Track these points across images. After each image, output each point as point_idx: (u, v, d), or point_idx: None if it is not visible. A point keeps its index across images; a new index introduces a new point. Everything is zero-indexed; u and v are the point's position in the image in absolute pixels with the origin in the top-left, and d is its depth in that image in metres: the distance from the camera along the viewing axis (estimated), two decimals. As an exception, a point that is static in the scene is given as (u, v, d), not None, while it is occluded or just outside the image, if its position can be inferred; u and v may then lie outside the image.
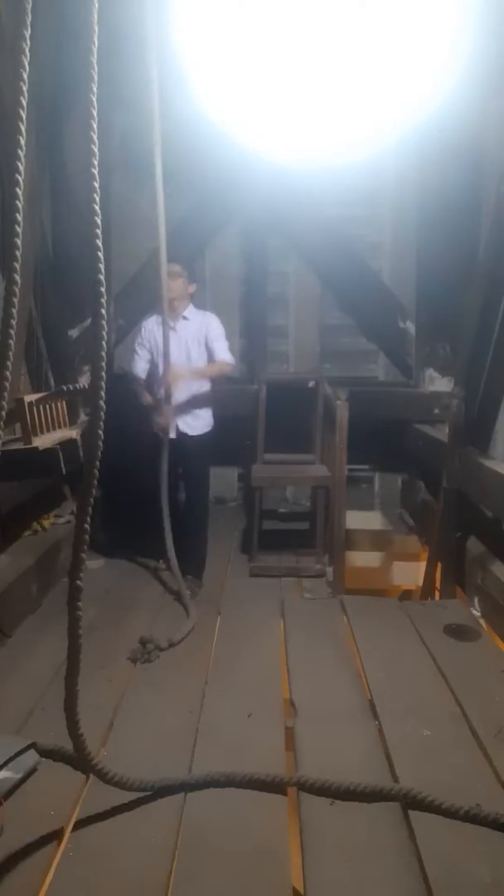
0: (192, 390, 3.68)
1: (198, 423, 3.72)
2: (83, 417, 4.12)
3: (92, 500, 1.55)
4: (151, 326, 3.69)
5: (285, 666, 2.88)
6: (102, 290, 1.47)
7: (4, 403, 1.36)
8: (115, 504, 4.20)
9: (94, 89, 1.38)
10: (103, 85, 1.41)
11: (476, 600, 3.52)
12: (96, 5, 1.39)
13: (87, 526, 1.56)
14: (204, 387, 3.74)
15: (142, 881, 1.71)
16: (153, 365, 3.69)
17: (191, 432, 3.70)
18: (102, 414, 1.51)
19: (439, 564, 3.93)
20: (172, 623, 3.33)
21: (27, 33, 1.30)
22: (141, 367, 3.73)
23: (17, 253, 1.34)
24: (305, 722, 2.44)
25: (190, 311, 3.69)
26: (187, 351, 3.64)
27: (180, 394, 3.61)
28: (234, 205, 5.06)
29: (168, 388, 3.52)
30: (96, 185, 1.44)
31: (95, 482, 1.54)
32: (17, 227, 1.33)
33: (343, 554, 3.84)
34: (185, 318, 3.66)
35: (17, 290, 1.34)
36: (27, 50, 1.30)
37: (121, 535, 4.30)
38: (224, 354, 3.65)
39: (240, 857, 1.78)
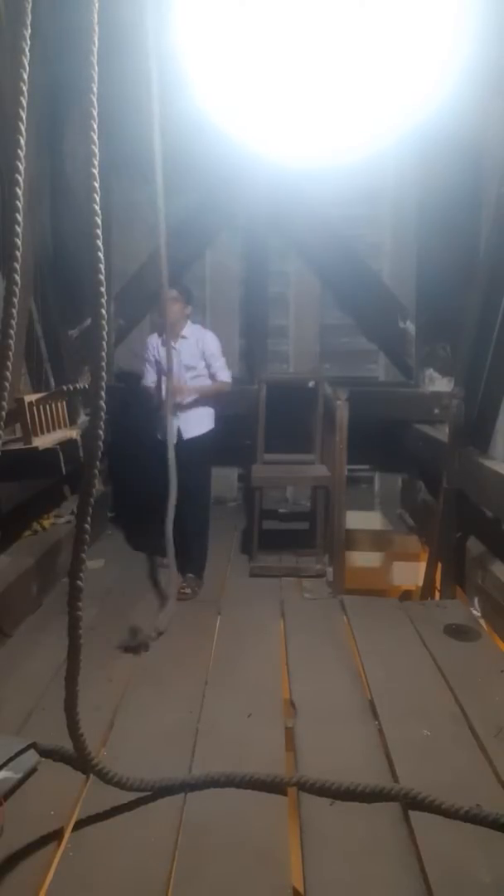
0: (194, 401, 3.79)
1: (199, 425, 3.80)
2: (83, 417, 4.12)
3: (92, 500, 1.55)
4: (155, 343, 3.88)
5: (285, 666, 2.88)
6: (102, 290, 1.47)
7: (4, 403, 1.36)
8: (120, 503, 4.21)
9: (94, 89, 1.38)
10: (103, 85, 1.41)
11: (476, 600, 3.52)
12: (96, 5, 1.39)
13: (87, 526, 1.56)
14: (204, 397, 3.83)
15: (142, 881, 1.71)
16: (159, 378, 3.83)
17: (192, 434, 3.76)
18: (102, 414, 1.51)
19: (439, 564, 3.93)
20: (172, 623, 3.33)
21: (27, 33, 1.30)
22: (150, 379, 3.92)
23: (17, 253, 1.34)
24: (305, 722, 2.44)
25: (188, 329, 3.83)
26: (188, 364, 3.78)
27: (183, 404, 3.75)
28: (235, 205, 5.06)
29: (173, 394, 3.63)
30: (96, 185, 1.44)
31: (95, 482, 1.54)
32: (17, 227, 1.33)
33: (343, 554, 3.84)
34: (183, 336, 3.80)
35: (17, 290, 1.35)
36: (27, 50, 1.30)
37: (125, 534, 4.32)
38: (222, 374, 3.84)
39: (240, 857, 1.78)
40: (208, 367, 3.82)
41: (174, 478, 3.57)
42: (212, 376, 3.83)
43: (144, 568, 4.08)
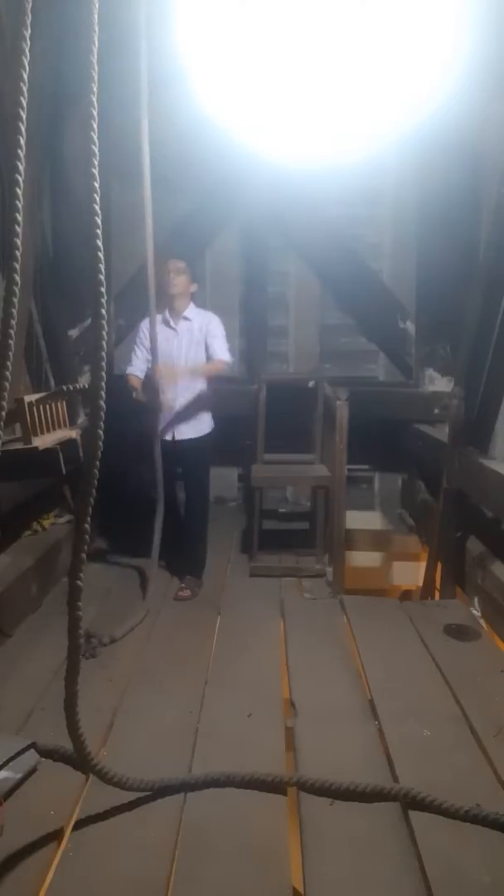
0: (191, 393, 3.66)
1: (197, 426, 3.72)
2: (83, 417, 4.12)
3: (92, 500, 1.55)
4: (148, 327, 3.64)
5: (285, 666, 2.88)
6: (102, 290, 1.46)
7: (4, 403, 1.36)
8: (114, 505, 4.20)
9: (94, 89, 1.38)
10: (103, 85, 1.41)
11: (476, 600, 3.52)
12: (96, 5, 1.39)
13: (87, 526, 1.56)
14: (202, 389, 3.71)
15: (142, 881, 1.71)
16: (151, 365, 3.62)
17: (190, 436, 3.71)
18: (102, 414, 1.51)
19: (439, 564, 3.93)
20: (172, 623, 3.33)
21: (27, 33, 1.30)
22: (139, 367, 3.68)
23: (17, 253, 1.34)
24: (305, 722, 2.44)
25: (191, 310, 3.68)
26: (187, 351, 3.63)
27: (175, 394, 3.61)
28: (235, 205, 5.06)
29: (154, 389, 3.50)
30: (96, 185, 1.44)
31: (95, 482, 1.54)
32: (17, 227, 1.33)
33: (343, 554, 3.84)
34: (185, 318, 3.66)
35: (17, 290, 1.34)
36: (27, 50, 1.30)
37: (120, 537, 4.33)
38: (223, 353, 3.60)
39: (240, 856, 1.78)
40: (209, 349, 3.56)
41: (160, 477, 3.56)
42: (211, 353, 3.58)
43: (144, 568, 4.08)
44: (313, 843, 1.84)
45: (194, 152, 4.51)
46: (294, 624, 3.31)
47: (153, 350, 3.51)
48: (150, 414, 3.58)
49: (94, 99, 1.39)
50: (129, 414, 3.59)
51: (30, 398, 2.77)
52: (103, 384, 1.50)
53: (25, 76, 1.30)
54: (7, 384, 1.35)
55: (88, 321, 2.91)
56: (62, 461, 2.70)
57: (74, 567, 1.58)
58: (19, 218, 1.33)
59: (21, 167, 1.30)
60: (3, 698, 2.54)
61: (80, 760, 1.80)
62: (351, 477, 4.28)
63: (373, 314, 5.22)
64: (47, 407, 2.89)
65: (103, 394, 1.50)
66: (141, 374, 3.67)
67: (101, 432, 1.52)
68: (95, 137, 1.40)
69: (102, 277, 1.45)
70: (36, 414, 2.78)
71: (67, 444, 2.79)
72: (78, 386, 3.90)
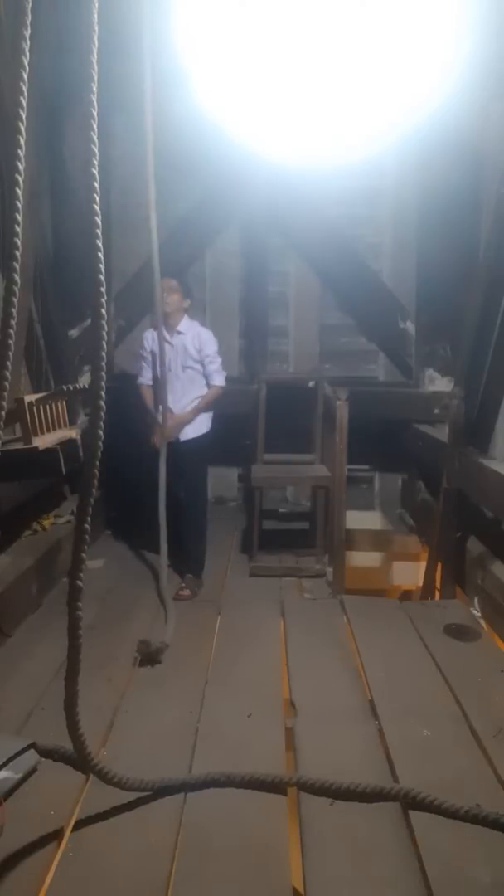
0: (189, 399, 3.75)
1: (196, 428, 3.79)
2: (83, 417, 4.12)
3: (92, 500, 1.55)
4: (151, 337, 3.83)
5: (285, 666, 2.88)
6: (102, 290, 1.47)
7: (4, 403, 1.36)
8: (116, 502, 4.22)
9: (94, 89, 1.38)
10: (103, 85, 1.41)
11: (476, 600, 3.52)
12: (96, 5, 1.39)
13: (87, 526, 1.56)
14: (200, 394, 3.79)
15: (142, 881, 1.71)
16: (154, 375, 3.80)
17: (190, 436, 3.77)
18: (102, 414, 1.51)
19: (439, 564, 3.93)
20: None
21: (27, 33, 1.30)
22: (147, 377, 3.87)
23: (17, 253, 1.34)
24: (305, 722, 2.44)
25: (184, 324, 3.79)
26: (183, 362, 3.74)
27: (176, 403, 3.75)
28: (235, 205, 5.06)
29: (168, 430, 3.69)
30: (96, 185, 1.44)
31: (95, 482, 1.54)
32: (17, 227, 1.33)
33: (343, 554, 3.84)
34: (179, 332, 3.77)
35: (17, 290, 1.35)
36: (27, 50, 1.30)
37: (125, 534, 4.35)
38: (217, 378, 3.78)
39: (240, 856, 1.78)
40: (204, 367, 3.75)
41: (163, 483, 3.60)
42: (206, 376, 3.76)
43: (144, 568, 4.08)
44: (313, 843, 1.85)
45: (194, 152, 4.51)
46: (294, 624, 3.31)
47: (160, 362, 3.63)
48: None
49: (94, 99, 1.39)
50: (133, 413, 3.65)
51: (30, 398, 2.77)
52: (103, 384, 1.50)
53: (25, 76, 1.30)
54: (7, 384, 1.35)
55: (88, 321, 2.92)
56: (62, 461, 2.70)
57: (74, 567, 1.58)
58: (19, 218, 1.33)
59: (21, 167, 1.30)
60: (3, 698, 2.54)
61: (80, 760, 1.80)
62: (351, 477, 4.28)
63: (373, 314, 5.22)
64: (47, 407, 2.89)
65: (103, 394, 1.50)
66: (150, 382, 3.85)
67: (101, 432, 1.52)
68: (95, 137, 1.40)
69: (102, 277, 1.45)
70: (36, 414, 2.78)
71: (67, 444, 2.79)
72: (78, 386, 3.90)
